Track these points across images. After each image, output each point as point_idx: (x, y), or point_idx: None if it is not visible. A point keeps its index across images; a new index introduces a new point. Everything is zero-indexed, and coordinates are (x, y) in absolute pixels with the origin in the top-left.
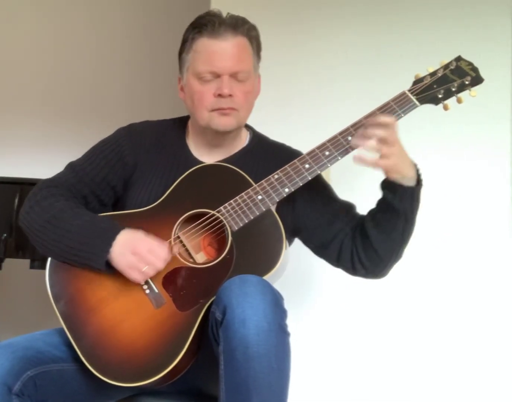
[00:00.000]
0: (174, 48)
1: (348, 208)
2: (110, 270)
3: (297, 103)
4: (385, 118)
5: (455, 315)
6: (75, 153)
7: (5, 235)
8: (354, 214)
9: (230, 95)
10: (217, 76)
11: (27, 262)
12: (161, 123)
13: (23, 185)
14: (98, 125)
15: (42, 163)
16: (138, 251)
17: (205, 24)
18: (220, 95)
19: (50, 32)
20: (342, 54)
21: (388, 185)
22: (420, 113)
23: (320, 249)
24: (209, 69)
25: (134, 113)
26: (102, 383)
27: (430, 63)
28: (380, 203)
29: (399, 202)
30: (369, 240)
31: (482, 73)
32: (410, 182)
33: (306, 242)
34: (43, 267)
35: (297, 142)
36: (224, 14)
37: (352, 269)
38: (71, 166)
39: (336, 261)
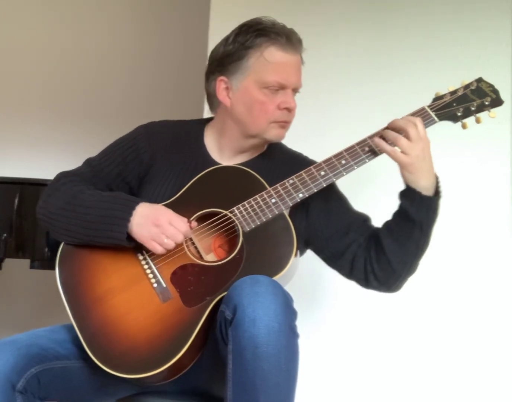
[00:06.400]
0: (174, 50)
1: (363, 219)
2: (130, 243)
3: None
4: (412, 117)
5: (456, 315)
6: (75, 154)
7: (5, 235)
8: (369, 226)
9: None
10: (282, 88)
11: (27, 262)
12: (179, 123)
13: (23, 185)
14: (98, 126)
15: (42, 163)
16: (159, 223)
17: (279, 34)
18: (287, 109)
19: (50, 33)
20: (343, 54)
21: (406, 194)
22: None
23: (332, 259)
24: (279, 81)
25: (133, 116)
26: (105, 380)
27: (430, 64)
28: (396, 213)
29: (416, 212)
30: (382, 250)
31: (482, 73)
32: (427, 191)
33: (319, 252)
34: (43, 267)
35: (295, 143)
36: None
37: (365, 281)
38: (88, 161)
39: (348, 273)
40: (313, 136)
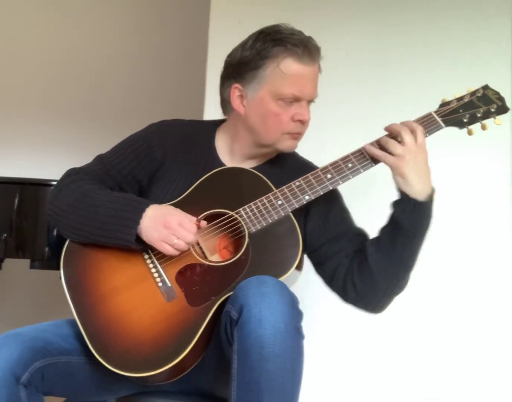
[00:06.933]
0: (174, 50)
1: (358, 233)
2: (139, 245)
3: None
4: (413, 123)
5: (457, 315)
6: (75, 154)
7: (5, 235)
8: (362, 241)
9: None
10: (297, 100)
11: (27, 262)
12: (191, 124)
13: (23, 185)
14: (98, 126)
15: (42, 163)
16: (169, 225)
17: (296, 44)
18: (300, 121)
19: (50, 33)
20: (343, 53)
21: (397, 200)
22: (419, 113)
23: (318, 264)
24: (294, 94)
25: (134, 116)
26: (108, 378)
27: (430, 64)
28: (386, 221)
29: (401, 213)
30: (365, 257)
31: (482, 73)
32: (419, 196)
33: (308, 255)
34: (43, 267)
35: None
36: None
37: (343, 291)
38: (99, 158)
39: (329, 281)
40: (313, 136)
